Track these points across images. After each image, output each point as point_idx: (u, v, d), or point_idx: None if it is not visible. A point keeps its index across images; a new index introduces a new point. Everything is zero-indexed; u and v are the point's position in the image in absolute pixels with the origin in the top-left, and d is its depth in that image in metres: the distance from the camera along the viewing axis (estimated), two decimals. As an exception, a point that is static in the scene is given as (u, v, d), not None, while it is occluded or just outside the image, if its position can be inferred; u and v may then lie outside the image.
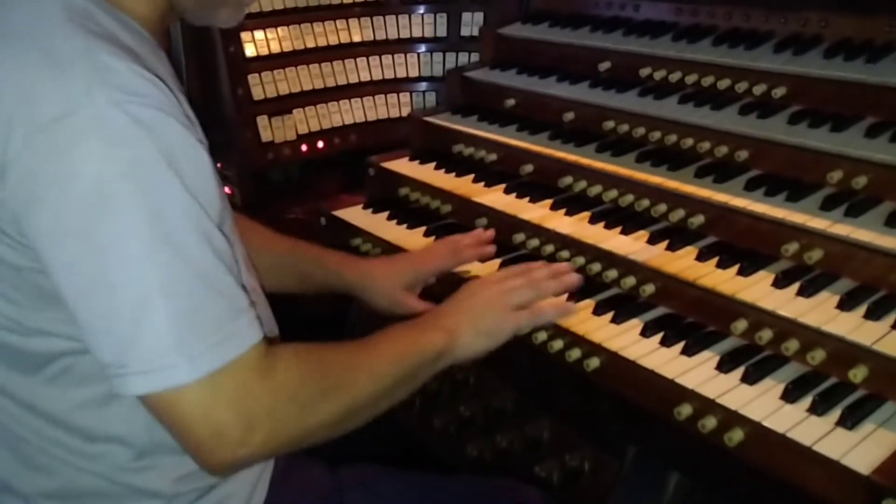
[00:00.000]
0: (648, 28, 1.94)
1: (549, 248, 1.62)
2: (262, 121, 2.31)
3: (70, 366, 1.02)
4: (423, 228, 1.85)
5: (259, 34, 2.31)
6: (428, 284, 1.55)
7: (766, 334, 1.29)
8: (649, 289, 1.46)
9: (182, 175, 0.92)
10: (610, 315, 1.43)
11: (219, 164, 1.55)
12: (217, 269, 0.94)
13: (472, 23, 2.44)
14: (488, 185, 1.88)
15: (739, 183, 1.56)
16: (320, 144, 2.41)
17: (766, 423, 1.14)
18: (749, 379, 1.24)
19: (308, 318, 1.62)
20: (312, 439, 1.04)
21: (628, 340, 1.36)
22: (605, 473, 1.46)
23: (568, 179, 1.77)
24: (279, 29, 2.35)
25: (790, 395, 1.20)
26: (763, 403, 1.19)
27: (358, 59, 2.46)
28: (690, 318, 1.42)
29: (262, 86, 2.31)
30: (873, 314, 1.26)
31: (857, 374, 1.19)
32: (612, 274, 1.51)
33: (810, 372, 1.25)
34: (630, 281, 1.48)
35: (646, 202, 1.63)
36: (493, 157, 1.96)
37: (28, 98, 0.88)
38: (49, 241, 0.90)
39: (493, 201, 1.79)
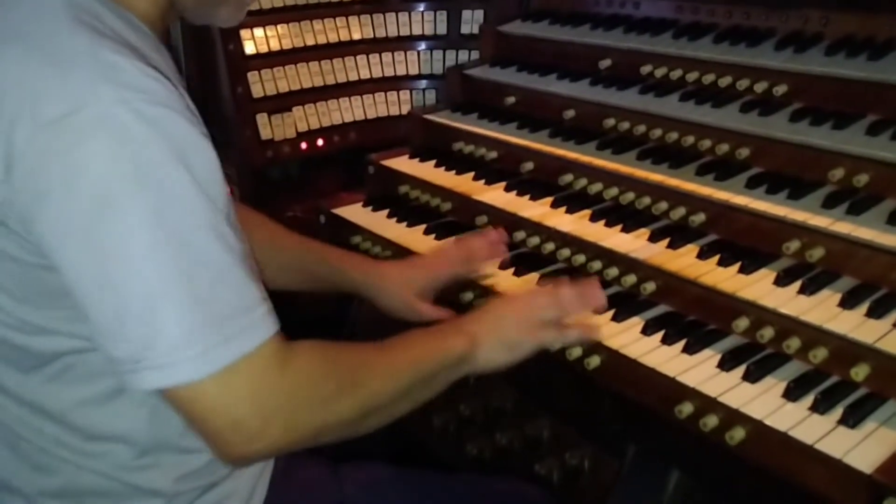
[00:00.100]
0: (649, 25, 1.94)
1: (550, 246, 1.62)
2: (261, 119, 2.30)
3: (72, 364, 1.02)
4: (423, 226, 1.85)
5: (259, 32, 2.30)
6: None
7: (767, 332, 1.29)
8: (650, 287, 1.46)
9: (192, 170, 0.91)
10: (611, 313, 1.42)
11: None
12: (229, 263, 0.93)
13: (472, 20, 2.43)
14: (488, 182, 1.87)
15: (740, 181, 1.55)
16: (320, 142, 2.41)
17: (767, 422, 1.14)
18: (750, 377, 1.24)
19: (308, 318, 1.61)
20: (329, 436, 1.03)
21: (629, 339, 1.36)
22: (605, 472, 1.46)
23: (568, 177, 1.77)
24: (279, 26, 2.34)
25: (792, 394, 1.19)
26: (764, 402, 1.19)
27: (358, 57, 2.46)
28: (691, 317, 1.41)
29: (261, 83, 2.30)
30: (875, 312, 1.26)
31: (859, 372, 1.19)
32: (613, 272, 1.51)
33: (812, 370, 1.25)
34: (631, 279, 1.48)
35: (646, 200, 1.62)
36: (493, 154, 1.96)
37: (33, 96, 0.88)
38: (57, 238, 0.89)
39: (493, 199, 1.79)
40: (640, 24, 1.96)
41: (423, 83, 2.50)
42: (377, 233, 1.85)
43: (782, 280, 1.36)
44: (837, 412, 1.15)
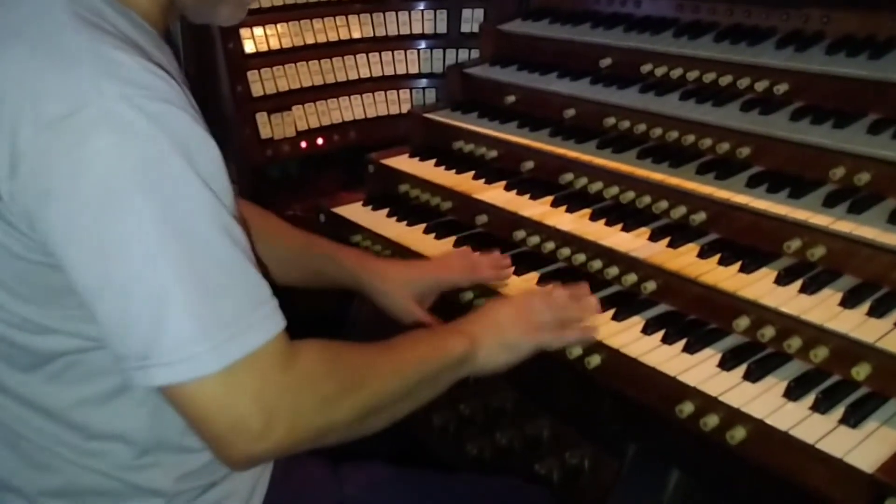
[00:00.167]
0: (649, 24, 1.94)
1: (550, 245, 1.62)
2: (261, 117, 2.30)
3: (73, 363, 1.01)
4: (423, 225, 1.84)
5: (258, 30, 2.30)
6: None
7: (768, 332, 1.28)
8: (650, 286, 1.45)
9: (196, 166, 0.91)
10: (611, 312, 1.42)
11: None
12: (235, 259, 0.93)
13: (472, 19, 2.43)
14: (488, 181, 1.87)
15: (741, 180, 1.55)
16: (320, 141, 2.40)
17: (768, 421, 1.14)
18: (751, 377, 1.23)
19: (308, 317, 1.61)
20: (332, 436, 1.02)
21: (629, 338, 1.36)
22: (605, 472, 1.45)
23: (569, 176, 1.77)
24: (279, 25, 2.34)
25: (793, 393, 1.19)
26: (765, 401, 1.18)
27: (358, 56, 2.45)
28: (692, 316, 1.41)
29: (261, 82, 2.30)
30: (876, 311, 1.25)
31: (860, 371, 1.18)
32: (613, 271, 1.51)
33: (813, 370, 1.24)
34: (631, 278, 1.48)
35: (647, 199, 1.62)
36: (493, 153, 1.95)
37: (36, 94, 0.88)
38: (62, 236, 0.89)
39: (493, 198, 1.78)
40: (641, 23, 1.95)
41: (423, 82, 2.49)
42: (377, 232, 1.85)
43: (783, 279, 1.36)
44: (838, 412, 1.15)
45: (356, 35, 2.46)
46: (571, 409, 1.50)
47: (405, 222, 1.88)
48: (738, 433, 1.15)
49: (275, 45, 2.33)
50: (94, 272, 0.89)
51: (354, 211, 1.99)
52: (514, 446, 1.62)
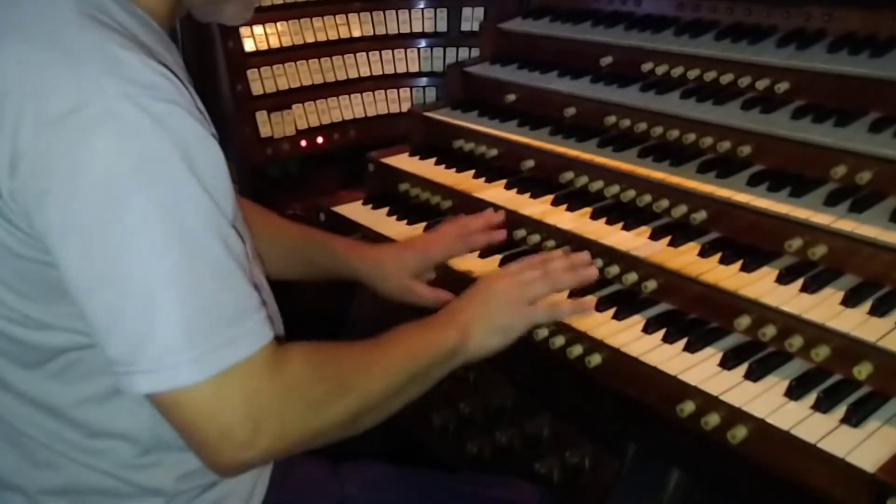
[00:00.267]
0: (650, 23, 1.93)
1: (551, 244, 1.61)
2: (261, 116, 2.30)
3: (75, 361, 1.01)
4: (424, 224, 1.84)
5: (258, 29, 2.30)
6: (430, 279, 1.54)
7: (769, 331, 1.28)
8: (651, 285, 1.45)
9: (197, 170, 0.90)
10: (612, 311, 1.41)
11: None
12: (229, 268, 0.93)
13: (472, 18, 2.43)
14: (489, 180, 1.87)
15: (742, 178, 1.55)
16: (319, 140, 2.40)
17: (769, 421, 1.13)
18: (752, 376, 1.23)
19: (308, 315, 1.61)
20: (323, 440, 1.02)
21: (630, 337, 1.35)
22: (605, 471, 1.45)
23: (569, 175, 1.76)
24: (278, 24, 2.33)
25: (794, 392, 1.18)
26: (767, 400, 1.18)
27: (358, 55, 2.45)
28: (693, 315, 1.40)
29: (261, 81, 2.29)
30: (878, 310, 1.25)
31: (862, 370, 1.18)
32: (614, 270, 1.50)
33: (814, 369, 1.24)
34: (632, 277, 1.47)
35: (648, 198, 1.62)
36: (493, 152, 1.95)
37: (39, 91, 0.87)
38: (58, 234, 0.89)
39: (493, 197, 1.78)
40: (642, 22, 1.95)
41: (424, 81, 2.49)
42: (377, 231, 1.85)
43: (784, 278, 1.35)
44: (840, 411, 1.14)
45: (356, 34, 2.45)
46: (572, 409, 1.49)
47: (405, 221, 1.87)
48: (739, 432, 1.15)
49: (275, 43, 2.33)
50: (88, 271, 0.88)
51: (354, 210, 1.98)
52: (514, 445, 1.62)
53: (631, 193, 1.65)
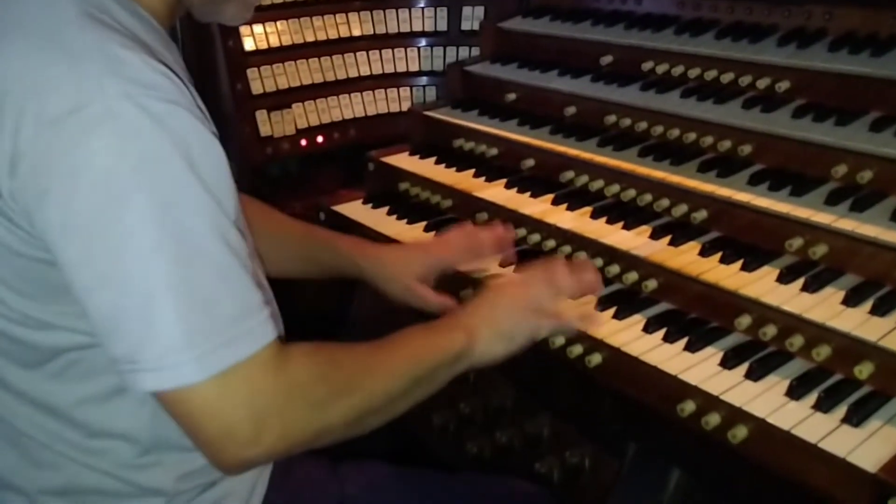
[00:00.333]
0: (650, 22, 1.93)
1: (551, 244, 1.61)
2: (260, 115, 2.29)
3: (75, 360, 1.01)
4: (424, 223, 1.84)
5: (258, 28, 2.29)
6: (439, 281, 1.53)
7: (770, 330, 1.28)
8: (652, 284, 1.45)
9: (198, 169, 0.90)
10: (612, 311, 1.41)
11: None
12: (231, 266, 0.92)
13: (472, 17, 2.42)
14: (489, 179, 1.87)
15: (743, 177, 1.55)
16: (319, 139, 2.39)
17: (770, 420, 1.13)
18: (753, 375, 1.23)
19: (308, 315, 1.60)
20: (327, 439, 1.02)
21: (631, 336, 1.35)
22: (605, 471, 1.45)
23: (569, 174, 1.76)
24: (278, 23, 2.33)
25: (795, 392, 1.18)
26: (767, 400, 1.18)
27: (358, 54, 2.44)
28: (693, 314, 1.40)
29: (261, 80, 2.29)
30: (879, 310, 1.25)
31: (863, 370, 1.18)
32: (615, 269, 1.50)
33: (815, 368, 1.24)
34: (632, 276, 1.47)
35: (648, 197, 1.61)
36: (493, 151, 1.95)
37: (40, 90, 0.87)
38: (59, 234, 0.88)
39: (493, 196, 1.78)
40: (642, 21, 1.95)
41: (424, 80, 2.49)
42: (377, 230, 1.84)
43: (785, 277, 1.35)
44: (841, 411, 1.14)
45: (356, 33, 2.45)
46: (572, 408, 1.49)
47: (405, 220, 1.87)
48: (740, 432, 1.14)
49: (275, 42, 2.32)
50: (89, 271, 0.88)
51: (354, 209, 1.98)
52: (515, 445, 1.62)
53: (631, 193, 1.65)
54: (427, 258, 1.49)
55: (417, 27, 2.47)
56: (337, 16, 2.42)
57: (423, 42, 2.48)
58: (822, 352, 1.22)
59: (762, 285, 1.34)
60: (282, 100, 2.33)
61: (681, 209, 1.56)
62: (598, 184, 1.70)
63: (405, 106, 2.44)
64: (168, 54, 1.02)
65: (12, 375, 1.03)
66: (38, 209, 0.88)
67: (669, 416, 1.22)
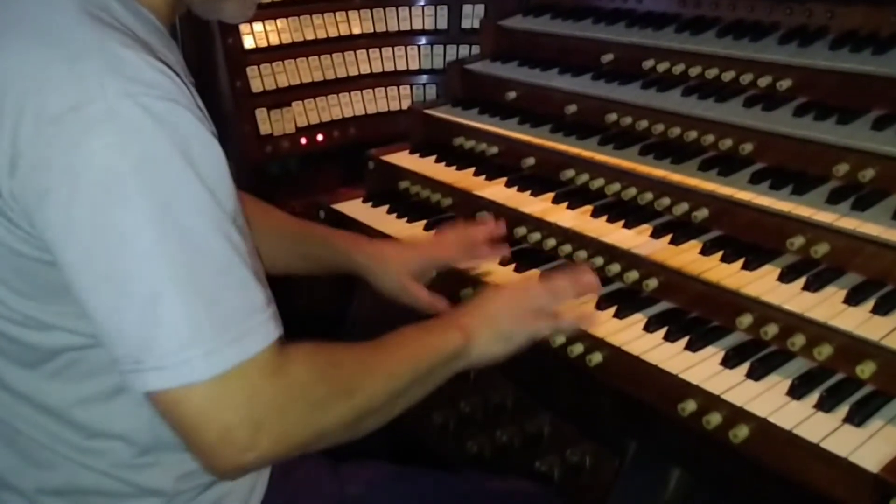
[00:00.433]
0: (651, 20, 1.93)
1: (551, 242, 1.61)
2: (260, 113, 2.29)
3: (75, 360, 1.01)
4: (424, 222, 1.84)
5: (258, 26, 2.29)
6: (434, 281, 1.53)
7: (771, 329, 1.28)
8: (652, 283, 1.44)
9: (197, 168, 0.90)
10: (613, 310, 1.41)
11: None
12: (233, 265, 0.92)
13: (472, 15, 2.42)
14: (489, 178, 1.86)
15: (744, 176, 1.54)
16: (319, 137, 2.39)
17: (772, 420, 1.13)
18: (755, 374, 1.22)
19: (308, 315, 1.60)
20: (325, 442, 1.01)
21: (632, 335, 1.35)
22: (605, 469, 1.45)
23: (570, 173, 1.76)
24: (278, 21, 2.33)
25: (797, 391, 1.18)
26: (769, 399, 1.18)
27: (358, 52, 2.44)
28: (695, 313, 1.40)
29: (260, 78, 2.29)
30: (881, 309, 1.24)
31: (865, 369, 1.17)
32: (615, 268, 1.50)
33: (816, 368, 1.24)
34: (633, 275, 1.47)
35: (649, 196, 1.61)
36: (494, 150, 1.94)
37: (40, 89, 0.87)
38: (59, 233, 0.88)
39: (494, 195, 1.78)
40: (643, 19, 1.94)
41: (424, 78, 2.48)
42: (377, 229, 1.84)
43: (786, 276, 1.35)
44: (843, 410, 1.14)
45: (356, 31, 2.45)
46: (572, 407, 1.49)
47: (405, 219, 1.87)
48: (741, 432, 1.14)
49: (274, 40, 2.32)
50: (90, 271, 0.88)
51: (354, 208, 1.98)
52: (515, 444, 1.62)
53: (632, 191, 1.64)
54: (422, 256, 1.49)
55: (418, 25, 2.47)
56: (337, 14, 2.42)
57: (423, 40, 2.48)
58: (824, 351, 1.22)
59: (763, 284, 1.34)
60: (282, 98, 2.33)
61: (682, 208, 1.56)
62: (598, 182, 1.70)
63: (405, 104, 2.44)
64: (169, 53, 1.02)
65: (11, 375, 1.03)
66: (38, 209, 0.88)
67: (670, 416, 1.21)
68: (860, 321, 1.23)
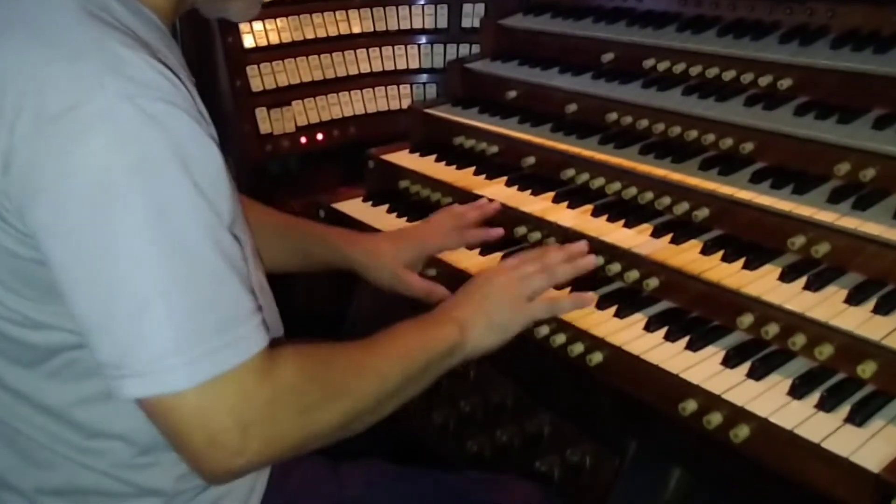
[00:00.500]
0: (652, 19, 1.92)
1: (552, 242, 1.60)
2: (260, 113, 2.29)
3: (73, 360, 1.00)
4: (423, 222, 1.83)
5: (258, 25, 2.29)
6: (427, 276, 1.53)
7: (772, 329, 1.27)
8: (653, 283, 1.44)
9: (192, 172, 0.89)
10: (613, 309, 1.41)
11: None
12: (223, 271, 0.91)
13: (472, 14, 2.42)
14: (489, 177, 1.86)
15: (745, 175, 1.54)
16: (319, 137, 2.39)
17: (773, 420, 1.13)
18: (755, 374, 1.22)
19: (307, 315, 1.60)
20: (316, 444, 1.01)
21: (632, 335, 1.35)
22: (606, 469, 1.44)
23: (570, 172, 1.75)
24: (278, 20, 2.33)
25: (797, 391, 1.18)
26: (770, 399, 1.17)
27: (358, 51, 2.44)
28: (695, 313, 1.40)
29: (260, 77, 2.29)
30: (882, 309, 1.24)
31: (866, 369, 1.17)
32: (616, 268, 1.49)
33: (817, 367, 1.23)
34: (633, 275, 1.46)
35: (649, 195, 1.61)
36: (494, 149, 1.94)
37: (38, 88, 0.86)
38: (50, 234, 0.88)
39: (494, 194, 1.77)
40: (643, 18, 1.94)
41: (424, 77, 2.48)
42: (377, 228, 1.83)
43: (787, 276, 1.34)
44: (844, 410, 1.14)
45: (356, 30, 2.45)
46: (572, 407, 1.49)
47: (405, 218, 1.86)
48: (742, 431, 1.14)
49: (274, 39, 2.32)
50: (78, 271, 0.87)
51: (354, 207, 1.97)
52: (515, 443, 1.61)
53: (632, 191, 1.64)
54: (413, 244, 1.49)
55: (418, 24, 2.47)
56: (337, 13, 2.43)
57: (423, 39, 2.48)
58: (825, 351, 1.22)
59: (764, 284, 1.34)
60: (282, 97, 2.33)
61: (682, 207, 1.55)
62: (598, 182, 1.70)
63: (405, 103, 2.44)
64: (169, 53, 1.02)
65: (10, 375, 1.03)
66: (31, 207, 0.88)
67: (671, 415, 1.21)
68: (861, 321, 1.22)
